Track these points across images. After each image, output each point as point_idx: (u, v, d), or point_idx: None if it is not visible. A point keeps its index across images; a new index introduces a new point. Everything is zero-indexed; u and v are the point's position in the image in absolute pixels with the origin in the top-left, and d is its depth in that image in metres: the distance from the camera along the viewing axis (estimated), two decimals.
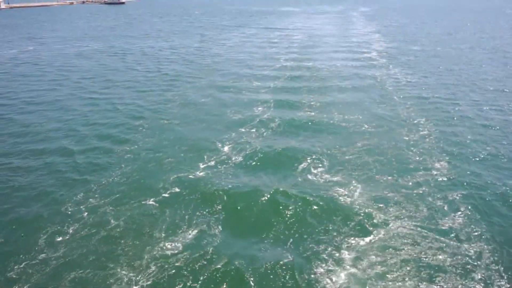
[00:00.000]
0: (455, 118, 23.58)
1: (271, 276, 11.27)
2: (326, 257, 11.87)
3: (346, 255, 11.94)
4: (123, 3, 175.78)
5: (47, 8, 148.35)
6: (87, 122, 23.25)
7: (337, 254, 11.98)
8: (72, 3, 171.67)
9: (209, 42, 55.19)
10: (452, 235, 12.88)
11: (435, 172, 16.83)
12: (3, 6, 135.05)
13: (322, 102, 26.86)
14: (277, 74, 35.09)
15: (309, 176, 16.56)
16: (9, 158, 18.71)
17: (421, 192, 15.31)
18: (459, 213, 14.04)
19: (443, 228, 13.23)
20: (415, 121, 23.00)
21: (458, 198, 14.98)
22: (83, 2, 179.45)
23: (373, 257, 11.87)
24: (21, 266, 11.68)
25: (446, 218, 13.72)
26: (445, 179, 16.32)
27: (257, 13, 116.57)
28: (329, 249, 12.24)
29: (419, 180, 16.18)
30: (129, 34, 64.97)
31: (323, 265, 11.55)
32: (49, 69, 37.66)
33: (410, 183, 15.93)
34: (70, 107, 25.99)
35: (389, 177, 16.41)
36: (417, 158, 18.15)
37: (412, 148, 19.24)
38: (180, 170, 17.12)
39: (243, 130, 21.71)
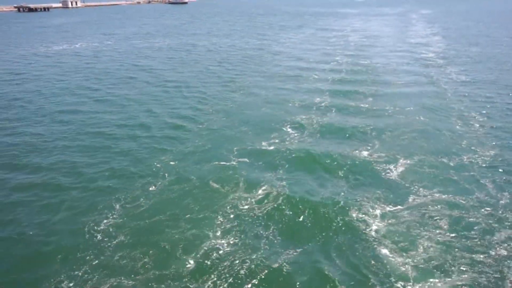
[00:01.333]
0: (508, 116, 24.34)
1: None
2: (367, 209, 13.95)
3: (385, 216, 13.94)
4: (186, 3, 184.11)
5: (117, 6, 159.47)
6: (161, 104, 26.66)
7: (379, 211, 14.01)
8: (139, 3, 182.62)
9: (269, 40, 57.91)
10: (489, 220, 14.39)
11: (481, 159, 18.19)
12: (79, 4, 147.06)
13: (376, 94, 28.50)
14: (334, 69, 37.02)
15: (361, 154, 18.59)
16: (111, 126, 22.36)
17: (465, 174, 16.83)
18: (504, 194, 15.44)
19: (479, 209, 14.75)
20: (467, 115, 24.10)
21: (502, 184, 16.31)
22: (149, 2, 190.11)
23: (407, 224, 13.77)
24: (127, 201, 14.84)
25: (486, 198, 15.20)
26: (490, 165, 17.65)
27: (315, 14, 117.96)
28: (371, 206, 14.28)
29: (465, 163, 17.70)
30: (194, 32, 69.41)
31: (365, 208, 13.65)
32: (127, 60, 42.09)
33: (456, 165, 17.47)
34: (147, 92, 29.63)
35: (436, 158, 18.02)
36: (466, 145, 19.54)
37: (462, 137, 20.59)
38: (245, 144, 19.84)
39: (303, 116, 24.00)
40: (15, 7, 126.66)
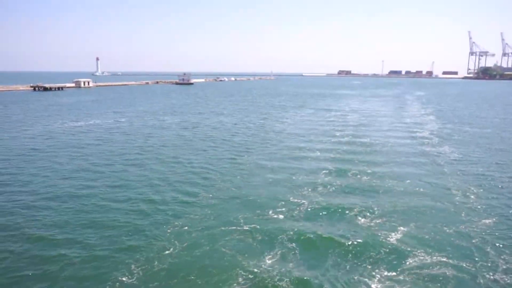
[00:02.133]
0: (502, 189, 25.49)
1: None
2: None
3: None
4: (191, 83, 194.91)
5: (127, 86, 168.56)
6: (171, 176, 27.95)
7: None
8: (147, 83, 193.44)
9: (271, 119, 61.02)
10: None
11: (479, 228, 19.01)
12: (91, 84, 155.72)
13: (376, 170, 29.86)
14: (335, 146, 38.85)
15: (358, 222, 19.47)
16: (126, 197, 23.43)
17: (464, 240, 17.59)
18: (505, 259, 16.10)
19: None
20: (464, 188, 25.20)
21: (502, 249, 17.03)
22: (157, 82, 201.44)
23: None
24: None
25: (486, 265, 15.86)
26: (489, 233, 18.42)
27: (314, 95, 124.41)
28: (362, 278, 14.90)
29: (463, 230, 18.49)
30: (200, 111, 73.22)
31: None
32: (139, 137, 44.31)
33: (454, 232, 18.26)
34: (158, 165, 31.08)
35: (436, 226, 18.84)
36: (464, 215, 20.44)
37: (460, 208, 21.54)
38: (251, 213, 20.79)
39: (306, 189, 25.14)
40: (31, 86, 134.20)
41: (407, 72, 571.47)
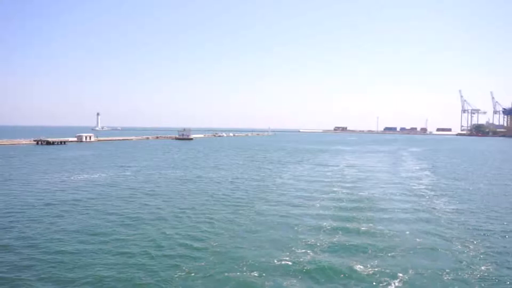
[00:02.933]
0: (499, 239, 26.54)
1: None
2: None
3: None
4: (191, 139, 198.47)
5: (128, 141, 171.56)
6: (173, 227, 28.79)
7: None
8: (148, 138, 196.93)
9: (270, 174, 62.53)
10: None
11: (479, 274, 19.95)
12: (93, 139, 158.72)
13: (374, 220, 30.96)
14: (334, 198, 40.10)
15: (363, 270, 20.34)
16: (128, 245, 24.25)
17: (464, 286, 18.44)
18: None
19: None
20: (461, 238, 26.26)
21: None
22: (157, 137, 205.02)
23: None
24: None
25: None
26: (488, 280, 19.32)
27: (311, 151, 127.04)
28: None
29: (464, 277, 19.38)
30: (200, 165, 74.91)
31: None
32: (141, 191, 45.48)
33: (455, 279, 19.14)
34: (160, 216, 32.00)
35: (435, 272, 19.72)
36: (465, 263, 21.38)
37: (457, 256, 22.51)
38: (255, 260, 21.65)
39: (308, 238, 26.08)
40: (34, 140, 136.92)
41: (402, 129, 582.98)
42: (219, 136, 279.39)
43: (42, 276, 20.00)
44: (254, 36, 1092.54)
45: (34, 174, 58.09)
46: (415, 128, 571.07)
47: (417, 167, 77.02)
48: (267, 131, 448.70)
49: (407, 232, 28.01)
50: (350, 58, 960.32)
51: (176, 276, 19.80)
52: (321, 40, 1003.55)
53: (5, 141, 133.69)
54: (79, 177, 55.10)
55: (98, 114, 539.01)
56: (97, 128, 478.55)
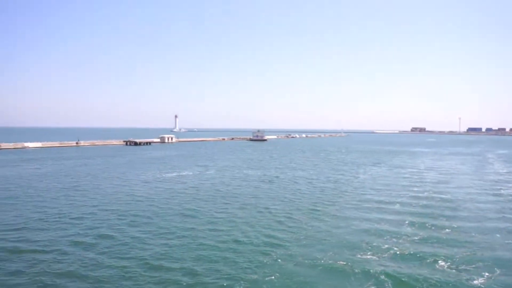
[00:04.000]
0: None
1: None
2: None
3: None
4: (265, 140, 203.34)
5: (205, 142, 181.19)
6: (252, 226, 30.97)
7: None
8: (223, 139, 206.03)
9: (346, 175, 62.95)
10: None
11: None
12: (174, 140, 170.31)
13: (457, 224, 30.70)
14: (413, 201, 39.91)
15: (439, 269, 20.94)
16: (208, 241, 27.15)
17: None
18: None
19: None
20: None
21: None
22: (232, 139, 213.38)
23: None
24: None
25: None
26: None
27: (388, 152, 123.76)
28: None
29: None
30: (276, 165, 77.45)
31: None
32: (225, 187, 49.02)
33: None
34: (240, 215, 34.57)
35: None
36: None
37: None
38: (337, 255, 23.15)
39: (386, 242, 26.95)
40: (123, 141, 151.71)
41: (488, 130, 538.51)
42: (292, 137, 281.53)
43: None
44: (339, 38, 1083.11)
45: (131, 171, 64.72)
46: (504, 129, 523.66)
47: (506, 170, 72.26)
48: (340, 132, 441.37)
49: (497, 235, 27.57)
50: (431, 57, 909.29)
51: (257, 275, 21.50)
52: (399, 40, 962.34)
53: (99, 142, 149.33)
54: (170, 175, 60.40)
55: (176, 116, 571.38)
56: (175, 130, 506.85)
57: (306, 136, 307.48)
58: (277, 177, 59.60)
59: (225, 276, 20.43)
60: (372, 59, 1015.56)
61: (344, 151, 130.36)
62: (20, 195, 41.95)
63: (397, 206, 37.52)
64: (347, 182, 53.97)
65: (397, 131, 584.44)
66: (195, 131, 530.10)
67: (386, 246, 25.18)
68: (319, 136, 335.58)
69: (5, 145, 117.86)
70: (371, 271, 20.96)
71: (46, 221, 31.18)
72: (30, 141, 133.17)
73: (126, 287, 19.28)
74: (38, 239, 26.40)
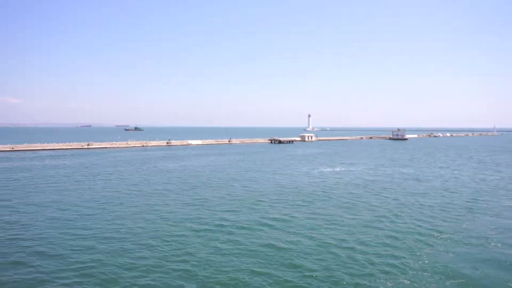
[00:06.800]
0: None
1: None
2: None
3: None
4: (406, 139, 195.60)
5: (343, 141, 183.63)
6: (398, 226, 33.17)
7: None
8: (361, 138, 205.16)
9: (507, 179, 59.09)
10: None
11: None
12: (314, 138, 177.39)
13: None
14: None
15: None
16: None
17: None
18: None
19: None
20: None
21: None
22: (371, 138, 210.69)
23: None
24: None
25: None
26: None
27: None
28: None
29: None
30: (423, 164, 76.18)
31: None
32: (377, 184, 51.66)
33: None
34: (392, 211, 36.98)
35: None
36: None
37: None
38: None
39: None
40: (268, 139, 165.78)
41: None
42: (435, 136, 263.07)
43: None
44: None
45: (289, 166, 72.00)
46: None
47: None
48: (492, 131, 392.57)
49: None
50: None
51: (420, 256, 23.93)
52: None
53: (247, 140, 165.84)
54: (324, 170, 65.61)
55: (309, 115, 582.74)
56: (308, 129, 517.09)
57: (451, 135, 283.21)
58: (433, 176, 58.82)
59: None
60: None
61: (498, 151, 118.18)
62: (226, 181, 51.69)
63: None
64: None
65: None
66: (327, 130, 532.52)
67: None
68: (467, 135, 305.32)
69: (174, 142, 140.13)
70: None
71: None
72: (193, 139, 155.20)
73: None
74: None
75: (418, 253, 23.31)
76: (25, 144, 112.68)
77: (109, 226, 28.97)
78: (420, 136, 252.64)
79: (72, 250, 23.64)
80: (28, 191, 43.78)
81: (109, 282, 19.10)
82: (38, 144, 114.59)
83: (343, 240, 25.86)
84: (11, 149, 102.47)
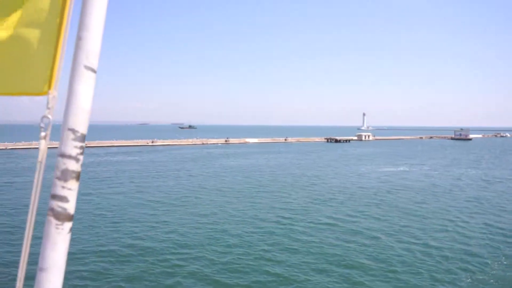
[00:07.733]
0: None
1: None
2: None
3: None
4: (470, 139, 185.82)
5: (402, 140, 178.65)
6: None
7: None
8: (421, 137, 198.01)
9: None
10: None
11: None
12: (371, 138, 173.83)
13: None
14: None
15: None
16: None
17: None
18: None
19: None
20: None
21: None
22: (431, 137, 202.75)
23: None
24: None
25: None
26: None
27: None
28: None
29: None
30: (490, 166, 72.98)
31: None
32: (442, 185, 50.63)
33: None
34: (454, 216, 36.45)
35: None
36: None
37: None
38: None
39: None
40: (325, 138, 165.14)
41: None
42: (502, 136, 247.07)
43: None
44: None
45: (350, 165, 72.25)
46: None
47: None
48: None
49: None
50: None
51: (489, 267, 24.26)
52: None
53: (303, 139, 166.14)
54: (382, 169, 65.21)
55: (364, 114, 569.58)
56: (362, 128, 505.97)
57: None
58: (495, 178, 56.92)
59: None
60: None
61: None
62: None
63: None
64: None
65: None
66: (384, 129, 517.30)
67: None
68: None
69: (232, 140, 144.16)
70: None
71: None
72: (250, 137, 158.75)
73: None
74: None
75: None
76: (97, 141, 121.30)
77: (198, 220, 31.41)
78: (485, 136, 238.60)
79: (169, 245, 26.13)
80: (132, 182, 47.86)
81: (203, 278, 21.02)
82: (108, 141, 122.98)
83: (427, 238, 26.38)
84: (87, 146, 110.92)
